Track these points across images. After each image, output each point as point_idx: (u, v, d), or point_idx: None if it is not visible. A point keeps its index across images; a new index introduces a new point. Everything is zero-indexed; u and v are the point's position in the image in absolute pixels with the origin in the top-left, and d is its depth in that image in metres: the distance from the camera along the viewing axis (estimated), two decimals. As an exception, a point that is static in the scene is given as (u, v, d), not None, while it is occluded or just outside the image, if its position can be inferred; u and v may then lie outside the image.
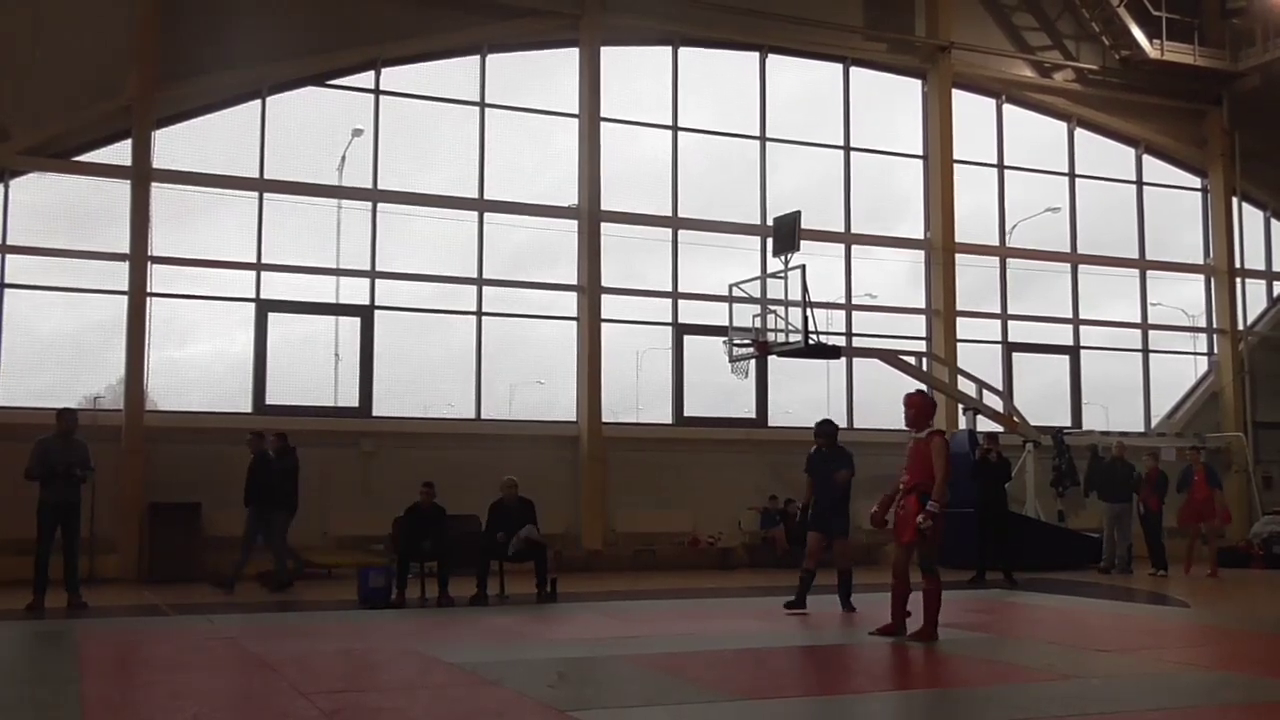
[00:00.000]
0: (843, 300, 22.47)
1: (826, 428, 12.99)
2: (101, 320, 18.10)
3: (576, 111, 20.76)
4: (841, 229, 22.50)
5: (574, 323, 20.56)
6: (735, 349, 19.43)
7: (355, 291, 19.53)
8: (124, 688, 8.56)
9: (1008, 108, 24.23)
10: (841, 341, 21.58)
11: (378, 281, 19.54)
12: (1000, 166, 24.06)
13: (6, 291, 17.79)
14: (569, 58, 20.89)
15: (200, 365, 18.88)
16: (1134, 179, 25.51)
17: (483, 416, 19.93)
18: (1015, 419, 20.91)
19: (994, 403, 21.07)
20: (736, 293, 19.59)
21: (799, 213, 18.93)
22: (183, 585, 16.17)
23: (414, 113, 19.89)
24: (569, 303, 20.71)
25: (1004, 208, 24.11)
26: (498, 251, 20.39)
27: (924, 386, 21.41)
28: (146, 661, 9.84)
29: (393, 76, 19.75)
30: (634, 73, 21.62)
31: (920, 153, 23.50)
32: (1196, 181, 26.26)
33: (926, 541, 10.19)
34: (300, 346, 19.21)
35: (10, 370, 17.60)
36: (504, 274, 20.41)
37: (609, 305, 20.62)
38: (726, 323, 19.66)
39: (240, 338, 18.87)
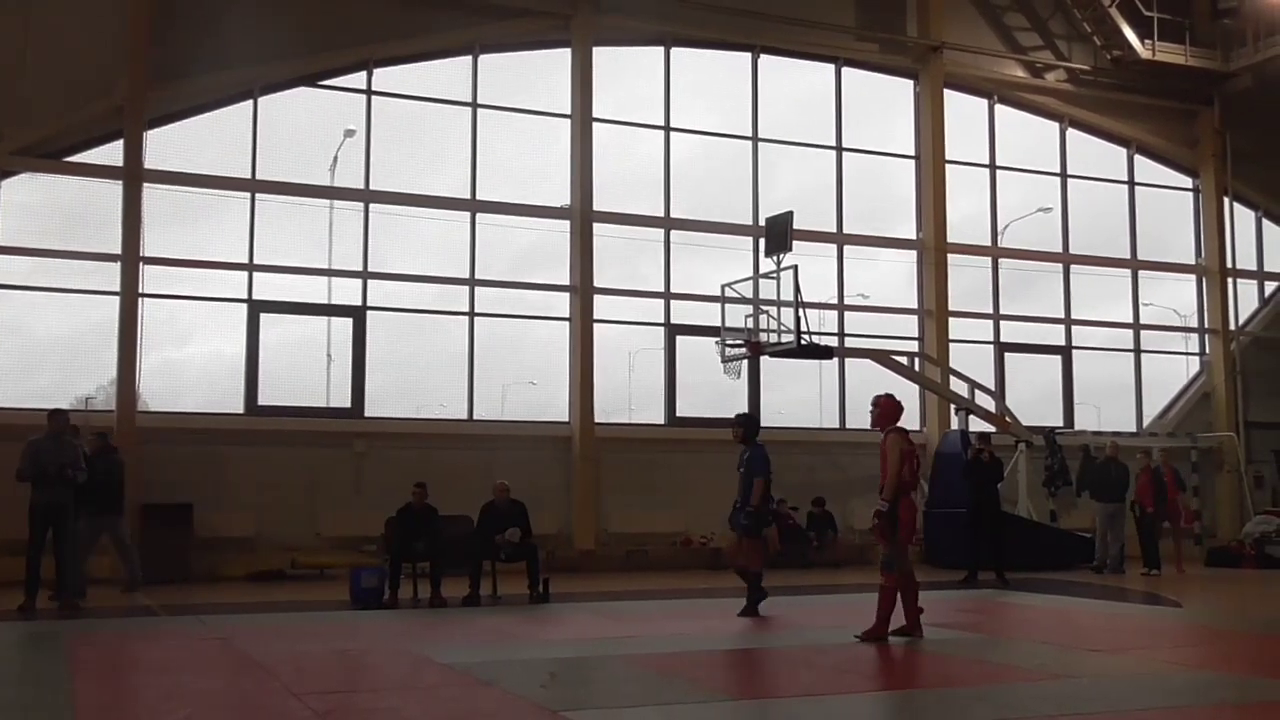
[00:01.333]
0: (835, 301, 22.48)
1: (743, 420, 13.10)
2: (99, 321, 17.99)
3: (569, 112, 20.76)
4: (834, 229, 22.51)
5: (566, 323, 20.55)
6: (728, 349, 19.42)
7: (348, 292, 19.52)
8: (116, 689, 8.56)
9: (1000, 108, 24.27)
10: (834, 342, 21.58)
11: (370, 282, 19.53)
12: (992, 167, 24.09)
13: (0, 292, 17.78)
14: (561, 58, 20.89)
15: (200, 366, 18.92)
16: (1126, 179, 25.56)
17: (475, 417, 19.92)
18: (1007, 419, 20.94)
19: (987, 403, 21.09)
20: (729, 293, 19.57)
21: (791, 213, 18.93)
22: (175, 586, 16.15)
23: (406, 113, 19.87)
24: (562, 303, 20.69)
25: (996, 208, 24.15)
26: (502, 254, 20.44)
27: (914, 387, 21.54)
28: (139, 663, 9.83)
29: (385, 77, 19.74)
30: (626, 73, 21.62)
31: (912, 153, 23.53)
32: (1188, 182, 26.30)
33: (889, 539, 10.24)
34: (293, 347, 19.18)
35: (5, 371, 17.54)
36: (508, 277, 20.46)
37: (601, 306, 20.62)
38: (719, 323, 19.65)
39: (239, 339, 18.80)
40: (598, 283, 20.56)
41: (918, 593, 10.48)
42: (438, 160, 20.13)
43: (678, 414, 21.18)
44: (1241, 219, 26.40)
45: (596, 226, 20.58)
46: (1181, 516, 19.57)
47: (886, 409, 10.78)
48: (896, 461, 10.24)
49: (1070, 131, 24.96)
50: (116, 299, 17.86)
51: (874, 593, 10.53)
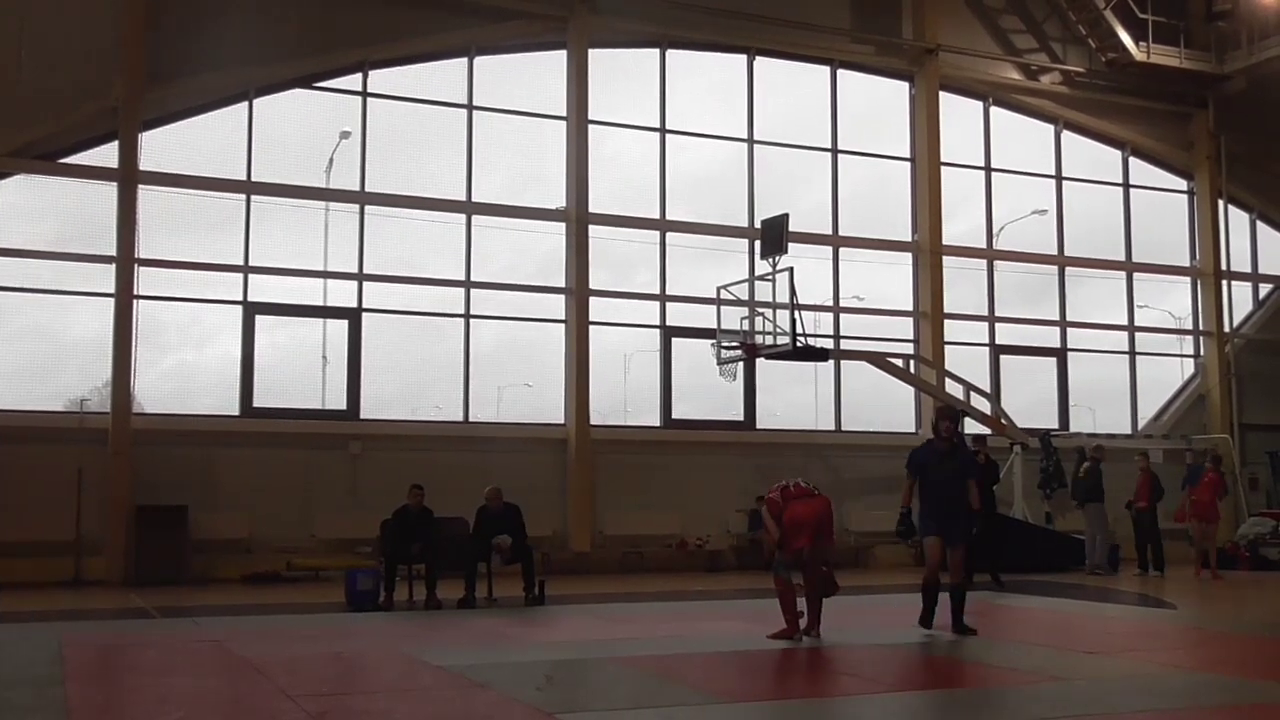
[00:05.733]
0: (830, 303, 22.48)
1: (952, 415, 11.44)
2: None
3: (564, 114, 20.73)
4: (829, 231, 22.51)
5: (562, 325, 20.52)
6: (723, 351, 19.43)
7: (343, 294, 19.49)
8: (109, 691, 8.54)
9: (995, 110, 24.28)
10: (830, 344, 21.57)
11: (366, 284, 19.50)
12: (987, 169, 24.10)
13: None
14: (557, 60, 20.87)
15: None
16: (1121, 182, 25.59)
17: (471, 419, 19.90)
18: (1003, 421, 20.95)
19: (982, 405, 21.09)
20: (724, 295, 19.59)
21: (786, 215, 18.96)
22: (170, 588, 16.13)
23: (402, 115, 19.85)
24: (558, 306, 20.64)
25: (991, 211, 24.16)
26: (498, 256, 20.45)
27: (910, 389, 21.57)
28: (132, 664, 9.81)
29: (380, 79, 19.71)
30: (622, 75, 21.60)
31: (908, 155, 23.53)
32: (1183, 184, 26.34)
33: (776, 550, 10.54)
34: (288, 350, 19.18)
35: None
36: (504, 279, 20.46)
37: (597, 308, 20.60)
38: (715, 325, 19.66)
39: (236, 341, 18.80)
40: (593, 285, 20.54)
41: (816, 594, 10.58)
42: (433, 162, 20.11)
43: (673, 416, 21.17)
44: (1236, 221, 26.43)
45: (592, 229, 20.57)
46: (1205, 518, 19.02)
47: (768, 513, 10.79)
48: (771, 526, 10.51)
49: (1065, 134, 24.99)
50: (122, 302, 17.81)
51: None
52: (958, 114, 23.84)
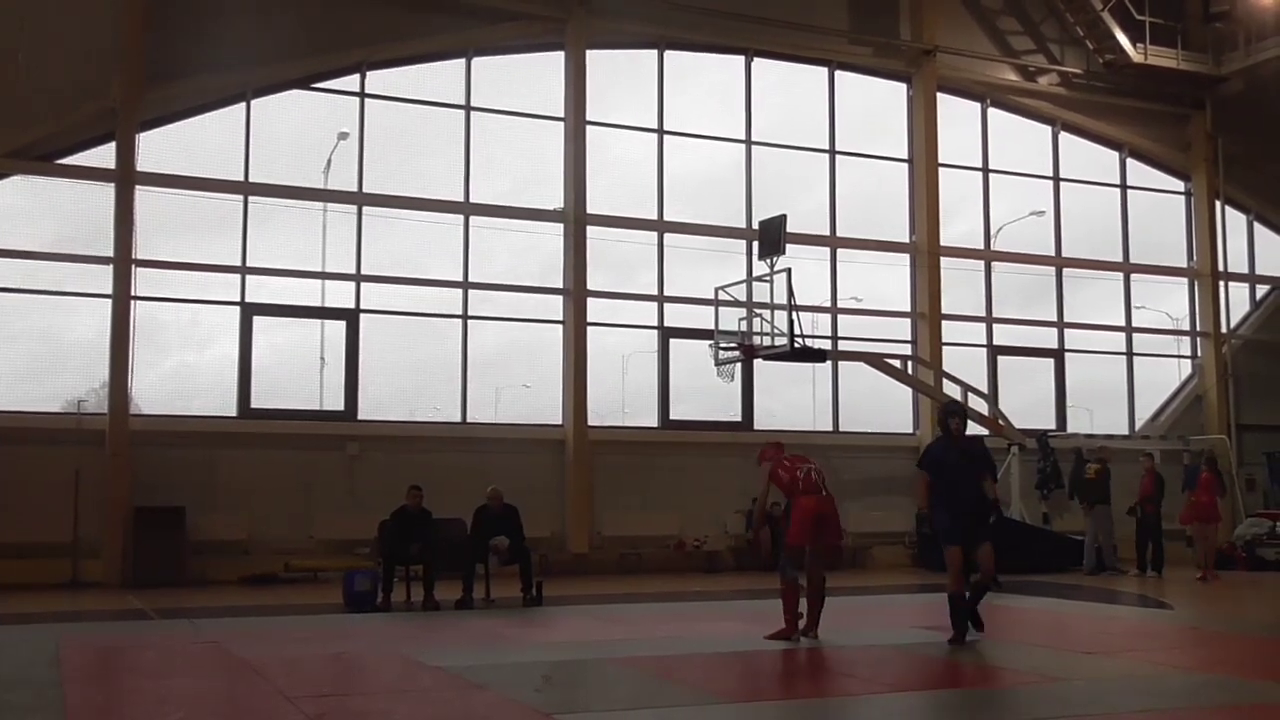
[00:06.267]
0: (828, 304, 22.48)
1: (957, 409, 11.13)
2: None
3: (562, 115, 20.73)
4: (827, 232, 22.51)
5: (560, 326, 20.51)
6: (721, 352, 19.43)
7: (341, 295, 19.48)
8: (108, 692, 8.54)
9: (993, 111, 24.29)
10: (827, 345, 21.57)
11: (364, 285, 19.48)
12: (985, 170, 24.11)
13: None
14: (555, 61, 20.87)
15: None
16: (1118, 183, 25.60)
17: (469, 420, 19.89)
18: (1000, 422, 20.96)
19: (980, 406, 21.09)
20: (723, 296, 19.58)
21: (784, 216, 18.96)
22: (167, 589, 16.11)
23: (400, 116, 19.84)
24: (556, 307, 20.64)
25: (989, 211, 24.17)
26: (496, 257, 20.43)
27: (907, 390, 21.58)
28: (130, 666, 9.81)
29: (378, 80, 19.71)
30: (620, 77, 21.60)
31: (906, 156, 23.53)
32: (1180, 185, 26.36)
33: (774, 549, 10.63)
34: (286, 350, 19.16)
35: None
36: (502, 280, 20.45)
37: (595, 309, 20.60)
38: (713, 326, 19.66)
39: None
40: (591, 286, 20.55)
41: (816, 595, 10.49)
42: (431, 163, 20.10)
43: (671, 417, 21.17)
44: (1233, 222, 26.44)
45: (590, 230, 20.57)
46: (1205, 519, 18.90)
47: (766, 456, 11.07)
48: (763, 490, 10.82)
49: (1063, 135, 25.00)
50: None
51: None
52: (955, 115, 23.85)
